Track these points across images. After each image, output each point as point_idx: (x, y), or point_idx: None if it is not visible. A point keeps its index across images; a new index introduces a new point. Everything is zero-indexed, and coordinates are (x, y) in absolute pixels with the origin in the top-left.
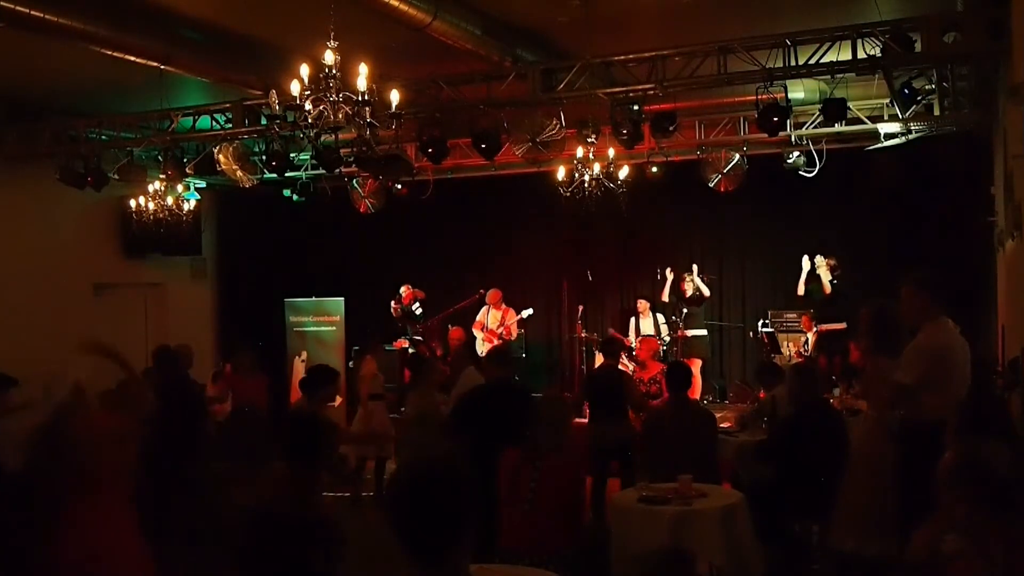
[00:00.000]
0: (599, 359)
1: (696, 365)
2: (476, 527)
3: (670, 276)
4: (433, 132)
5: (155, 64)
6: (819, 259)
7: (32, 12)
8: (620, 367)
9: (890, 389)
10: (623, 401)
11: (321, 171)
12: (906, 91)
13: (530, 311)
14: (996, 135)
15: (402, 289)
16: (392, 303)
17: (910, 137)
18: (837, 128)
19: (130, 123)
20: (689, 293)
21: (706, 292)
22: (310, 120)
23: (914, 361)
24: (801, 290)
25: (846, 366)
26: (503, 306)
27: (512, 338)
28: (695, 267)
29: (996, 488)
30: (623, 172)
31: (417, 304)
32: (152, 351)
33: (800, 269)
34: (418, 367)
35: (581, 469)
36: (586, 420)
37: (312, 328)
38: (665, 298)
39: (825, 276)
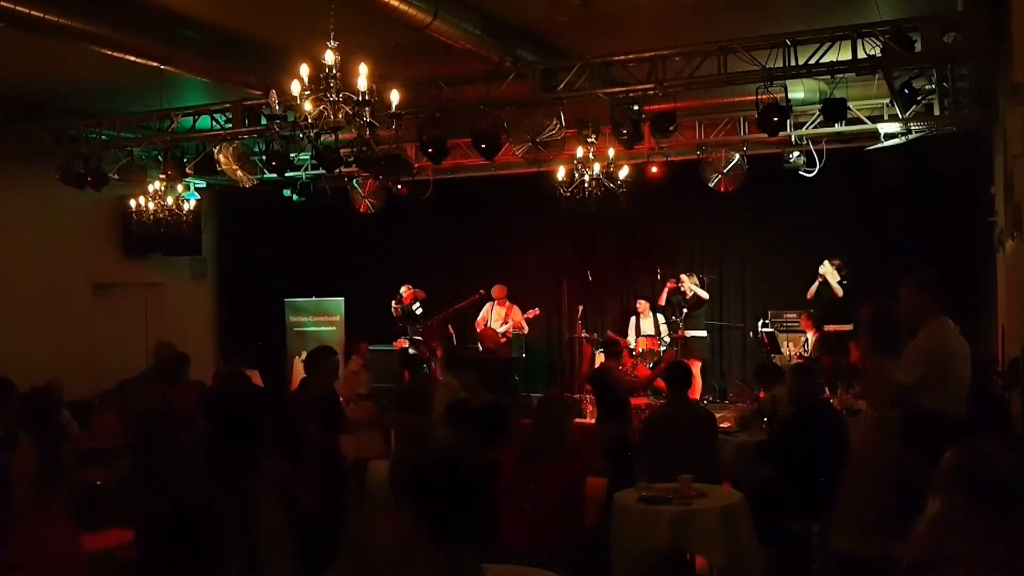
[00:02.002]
0: (599, 359)
1: (696, 366)
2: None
3: (672, 285)
4: (433, 132)
5: (155, 64)
6: (825, 264)
7: (32, 12)
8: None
9: (890, 389)
10: (617, 399)
11: (321, 171)
12: (906, 91)
13: (536, 311)
14: (996, 135)
15: (403, 289)
16: (392, 303)
17: (910, 137)
18: (837, 128)
19: (130, 123)
20: (689, 296)
21: (703, 295)
22: (310, 120)
23: (914, 361)
24: (811, 294)
25: (849, 366)
26: (507, 303)
27: (524, 332)
28: (683, 276)
29: (997, 488)
30: (623, 172)
31: (417, 304)
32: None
33: (802, 271)
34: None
35: (581, 469)
36: (589, 419)
37: (312, 328)
38: (662, 302)
39: (833, 278)
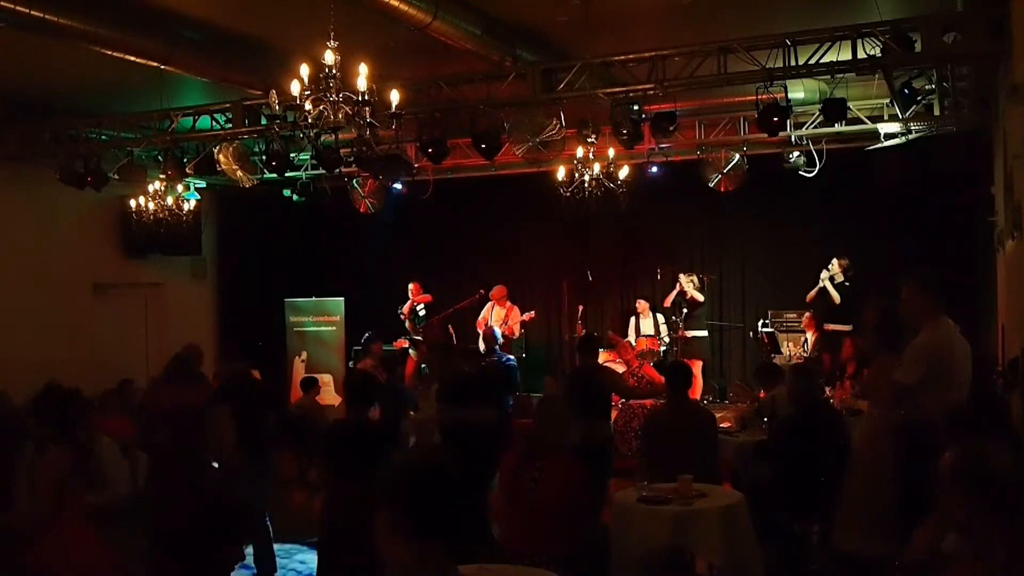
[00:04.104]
0: (601, 358)
1: (696, 366)
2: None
3: (678, 286)
4: (433, 132)
5: (155, 64)
6: (833, 263)
7: (32, 12)
8: (607, 364)
9: (891, 389)
10: (601, 399)
11: (321, 171)
12: (906, 91)
13: (532, 314)
14: (996, 135)
15: (410, 286)
16: (403, 307)
17: (910, 137)
18: (837, 128)
19: (130, 123)
20: (688, 296)
21: (699, 297)
22: (310, 120)
23: (915, 361)
24: (810, 298)
25: (841, 362)
26: (507, 304)
27: (514, 337)
28: (681, 276)
29: (997, 489)
30: (623, 172)
31: (422, 306)
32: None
33: (802, 271)
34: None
35: (582, 469)
36: None
37: (312, 328)
38: (668, 304)
39: (837, 279)
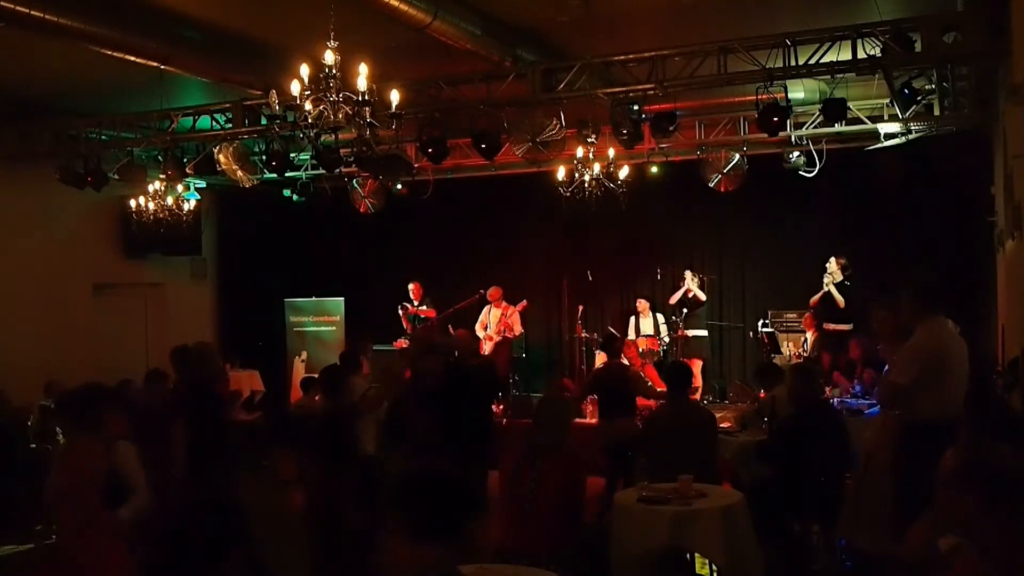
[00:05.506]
0: (599, 359)
1: (696, 366)
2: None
3: (684, 283)
4: (433, 132)
5: (155, 64)
6: (831, 263)
7: (32, 12)
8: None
9: (886, 389)
10: (629, 398)
11: (321, 171)
12: (906, 91)
13: (524, 304)
14: (996, 135)
15: (410, 286)
16: (405, 307)
17: (910, 137)
18: (837, 128)
19: (130, 123)
20: (690, 295)
21: (701, 296)
22: (310, 120)
23: (910, 361)
24: (814, 302)
25: (848, 363)
26: (504, 304)
27: (515, 335)
28: (688, 273)
29: (998, 488)
30: (623, 172)
31: (423, 307)
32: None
33: (802, 271)
34: None
35: (581, 469)
36: (589, 419)
37: (312, 328)
38: (674, 301)
39: (836, 278)
